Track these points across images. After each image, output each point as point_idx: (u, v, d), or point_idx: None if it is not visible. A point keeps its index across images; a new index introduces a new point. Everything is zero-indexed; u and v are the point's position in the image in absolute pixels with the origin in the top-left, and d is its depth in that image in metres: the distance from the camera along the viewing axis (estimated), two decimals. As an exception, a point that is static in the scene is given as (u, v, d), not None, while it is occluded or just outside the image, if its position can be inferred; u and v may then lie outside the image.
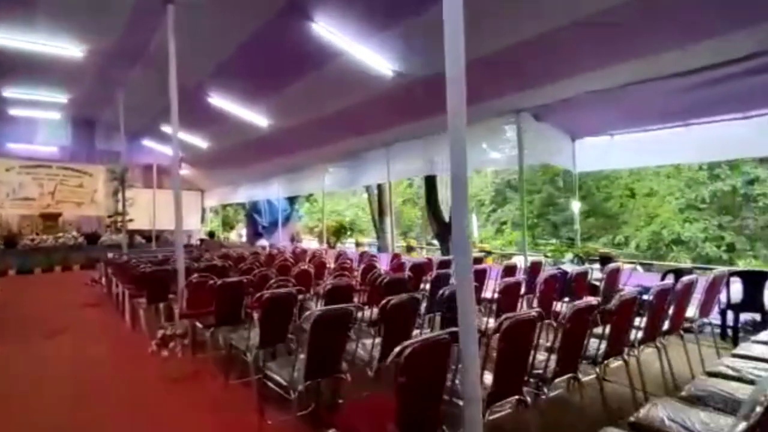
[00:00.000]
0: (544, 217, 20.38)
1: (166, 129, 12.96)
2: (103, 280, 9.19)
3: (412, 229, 23.41)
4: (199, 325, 4.61)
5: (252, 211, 16.24)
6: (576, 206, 7.88)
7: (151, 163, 16.64)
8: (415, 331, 3.52)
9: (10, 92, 10.67)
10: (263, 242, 12.09)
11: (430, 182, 10.28)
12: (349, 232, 15.83)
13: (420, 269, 6.18)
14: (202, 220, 20.94)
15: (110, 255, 10.69)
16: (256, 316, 4.82)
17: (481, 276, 5.26)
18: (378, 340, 3.26)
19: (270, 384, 3.12)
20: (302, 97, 8.45)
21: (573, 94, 6.23)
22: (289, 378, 2.88)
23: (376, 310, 3.54)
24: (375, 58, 6.23)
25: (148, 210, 15.87)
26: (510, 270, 5.98)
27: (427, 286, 5.37)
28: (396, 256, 8.40)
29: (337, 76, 7.09)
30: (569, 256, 7.12)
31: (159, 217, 15.97)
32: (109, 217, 17.20)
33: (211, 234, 13.58)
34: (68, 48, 7.88)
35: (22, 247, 13.30)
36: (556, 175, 18.54)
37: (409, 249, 11.32)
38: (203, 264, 6.59)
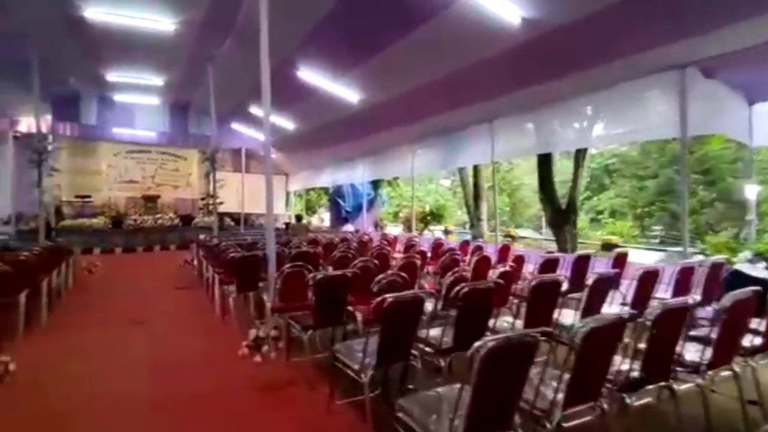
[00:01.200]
0: (658, 206, 17.75)
1: (255, 111, 12.81)
2: (195, 262, 9.09)
3: (500, 216, 21.74)
4: (294, 325, 3.87)
5: (335, 195, 15.82)
6: (752, 191, 6.07)
7: (240, 147, 16.83)
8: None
9: (113, 76, 11.02)
10: (349, 227, 11.51)
11: (545, 162, 8.84)
12: (435, 219, 14.77)
13: (551, 265, 4.97)
14: (287, 204, 21.12)
15: (202, 236, 10.72)
16: (359, 316, 4.01)
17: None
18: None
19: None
20: (400, 62, 7.47)
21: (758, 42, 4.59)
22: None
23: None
24: (500, 1, 5.02)
25: (237, 193, 16.11)
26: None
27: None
28: (505, 248, 7.20)
29: (445, 30, 5.99)
30: (745, 254, 5.44)
31: (247, 200, 16.17)
32: (202, 199, 17.85)
33: (299, 218, 13.29)
34: (160, 20, 7.65)
35: (126, 227, 14.05)
36: (675, 155, 15.85)
37: (508, 238, 10.00)
38: (293, 250, 5.93)
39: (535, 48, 5.65)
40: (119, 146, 16.82)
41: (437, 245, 7.75)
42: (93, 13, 7.35)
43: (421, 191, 28.34)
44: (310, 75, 8.74)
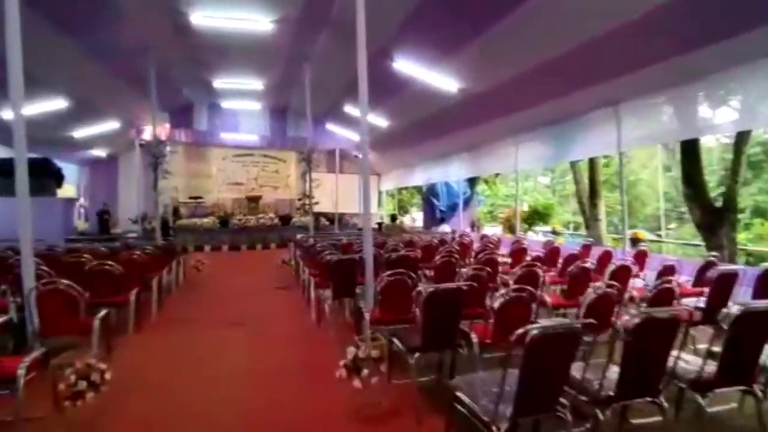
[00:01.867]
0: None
1: (349, 110, 12.72)
2: (292, 261, 9.08)
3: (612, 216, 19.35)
4: (397, 344, 3.29)
5: (429, 194, 15.20)
6: None
7: (334, 148, 17.00)
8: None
9: (219, 83, 11.62)
10: (446, 228, 10.82)
11: (691, 151, 7.28)
12: (541, 219, 13.41)
13: (727, 282, 3.79)
14: (378, 203, 21.03)
15: (299, 236, 10.81)
16: (474, 339, 3.32)
17: None
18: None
19: None
20: (505, 44, 6.62)
21: None
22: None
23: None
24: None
25: (331, 194, 16.29)
26: None
27: None
28: (641, 255, 5.94)
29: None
30: None
31: (340, 200, 16.27)
32: (299, 200, 18.42)
33: (393, 218, 12.90)
34: (258, 19, 7.69)
35: (232, 226, 14.87)
36: None
37: (635, 242, 8.48)
38: (391, 254, 5.39)
39: (680, 8, 4.44)
40: (226, 150, 18.01)
41: (552, 250, 6.70)
42: (198, 18, 7.61)
43: (515, 188, 26.59)
44: (406, 65, 8.21)
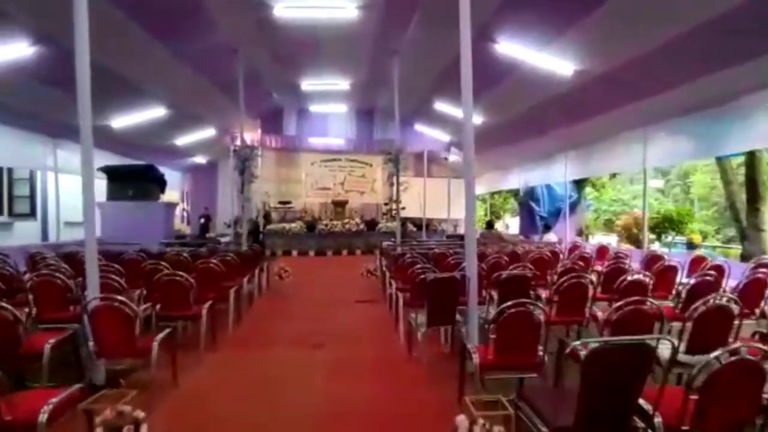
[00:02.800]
0: None
1: (440, 106, 11.75)
2: (378, 272, 8.31)
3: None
4: (533, 417, 2.22)
5: (528, 198, 13.61)
6: None
7: (422, 151, 16.11)
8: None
9: (306, 84, 11.38)
10: (551, 237, 9.31)
11: None
12: (672, 227, 11.17)
13: None
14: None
15: (385, 244, 10.07)
16: (659, 420, 2.13)
17: None
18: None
19: None
20: (638, 8, 5.18)
21: None
22: None
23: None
24: None
25: (419, 198, 15.40)
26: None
27: None
28: None
29: None
30: None
31: (428, 205, 15.33)
32: (385, 204, 17.84)
33: (490, 224, 11.54)
34: (344, 5, 7.07)
35: (318, 231, 14.67)
36: None
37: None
38: (501, 273, 4.25)
39: None
40: (315, 155, 18.03)
41: (756, 281, 4.77)
42: (281, 10, 7.23)
43: (626, 194, 23.50)
44: (509, 46, 7.02)
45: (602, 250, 7.83)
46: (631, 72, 6.60)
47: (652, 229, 10.62)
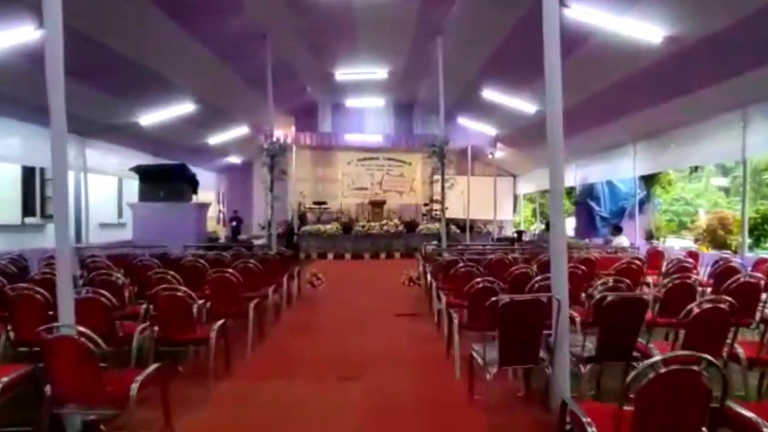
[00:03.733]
0: None
1: (488, 94, 10.59)
2: (421, 280, 7.32)
3: None
4: None
5: (586, 197, 12.16)
6: None
7: (465, 147, 14.94)
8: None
9: (341, 74, 10.54)
10: (622, 241, 7.94)
11: None
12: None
13: None
14: (514, 209, 18.34)
15: (429, 247, 9.06)
16: None
17: None
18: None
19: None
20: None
21: None
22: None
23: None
24: None
25: (461, 197, 14.26)
26: None
27: None
28: None
29: None
30: None
31: (472, 205, 14.19)
32: (425, 205, 16.81)
33: (549, 225, 10.22)
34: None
35: (355, 233, 13.85)
36: None
37: None
38: (606, 295, 3.10)
39: None
40: (351, 154, 17.28)
41: None
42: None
43: (689, 192, 21.28)
44: (583, 11, 5.82)
45: (695, 257, 6.45)
46: (733, 38, 5.28)
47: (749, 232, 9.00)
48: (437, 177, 7.81)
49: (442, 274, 5.69)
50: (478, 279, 3.81)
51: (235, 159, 15.58)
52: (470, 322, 3.75)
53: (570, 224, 13.97)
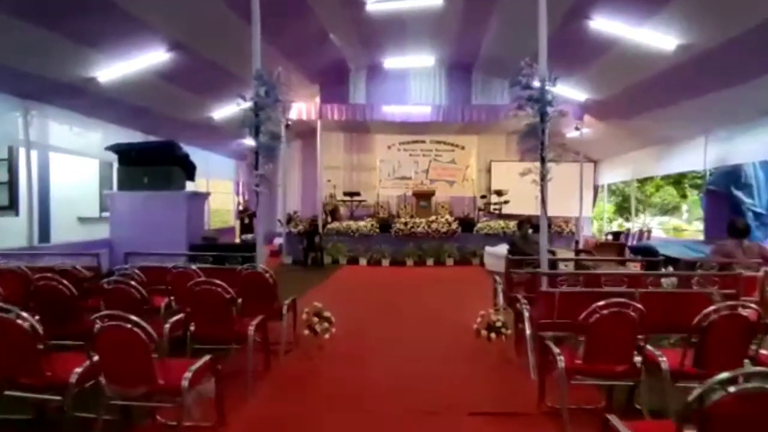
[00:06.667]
0: None
1: (600, 25, 7.12)
2: (498, 323, 4.16)
3: None
4: None
5: (727, 184, 8.35)
6: None
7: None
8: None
9: (373, 2, 7.32)
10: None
11: None
12: None
13: None
14: (593, 203, 14.63)
15: (492, 250, 5.90)
16: None
17: None
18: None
19: None
20: None
21: None
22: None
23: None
24: None
25: (533, 188, 10.88)
26: None
27: None
28: None
29: None
30: None
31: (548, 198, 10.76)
32: (482, 197, 13.61)
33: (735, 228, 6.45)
34: None
35: (395, 232, 10.85)
36: None
37: None
38: None
39: None
40: (392, 137, 14.45)
41: None
42: None
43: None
44: None
45: None
46: None
47: None
48: (532, 146, 4.42)
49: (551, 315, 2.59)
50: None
51: (252, 142, 12.95)
52: None
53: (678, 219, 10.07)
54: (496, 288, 4.73)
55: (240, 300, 3.19)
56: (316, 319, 3.74)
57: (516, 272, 4.35)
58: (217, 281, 3.12)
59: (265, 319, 3.39)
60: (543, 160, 4.37)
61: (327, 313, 3.81)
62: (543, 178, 4.38)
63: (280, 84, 4.58)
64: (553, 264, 4.56)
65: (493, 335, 3.58)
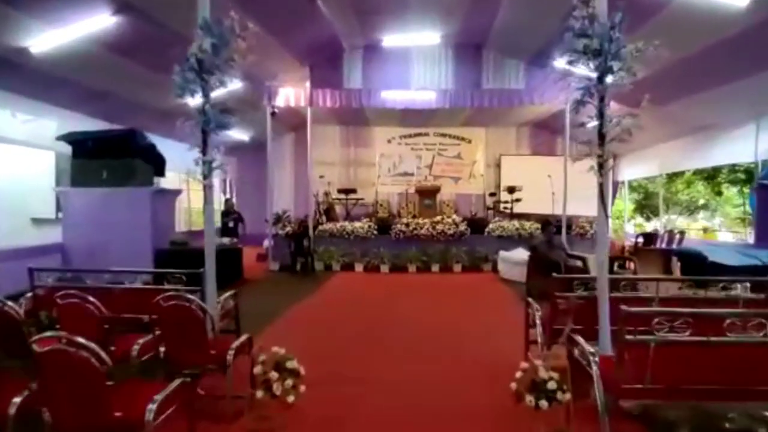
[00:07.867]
0: None
1: None
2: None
3: None
4: None
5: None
6: None
7: (557, 110, 10.25)
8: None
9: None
10: None
11: None
12: None
13: None
14: (612, 201, 13.31)
15: (507, 255, 4.64)
16: None
17: None
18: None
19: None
20: None
21: None
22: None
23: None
24: None
25: (550, 184, 9.65)
26: None
27: None
28: None
29: None
30: None
31: (563, 195, 9.57)
32: (491, 194, 12.37)
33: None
34: None
35: (395, 234, 9.57)
36: None
37: None
38: None
39: None
40: (392, 130, 13.29)
41: None
42: None
43: None
44: None
45: None
46: None
47: None
48: (588, 124, 3.13)
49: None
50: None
51: (241, 135, 11.66)
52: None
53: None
54: (533, 316, 3.43)
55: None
56: (275, 375, 2.47)
57: (564, 297, 3.06)
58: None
59: (188, 384, 2.13)
60: (602, 138, 3.08)
61: (292, 364, 2.55)
62: (602, 165, 3.08)
63: (235, 36, 3.30)
64: (613, 284, 3.23)
65: (543, 402, 2.33)
